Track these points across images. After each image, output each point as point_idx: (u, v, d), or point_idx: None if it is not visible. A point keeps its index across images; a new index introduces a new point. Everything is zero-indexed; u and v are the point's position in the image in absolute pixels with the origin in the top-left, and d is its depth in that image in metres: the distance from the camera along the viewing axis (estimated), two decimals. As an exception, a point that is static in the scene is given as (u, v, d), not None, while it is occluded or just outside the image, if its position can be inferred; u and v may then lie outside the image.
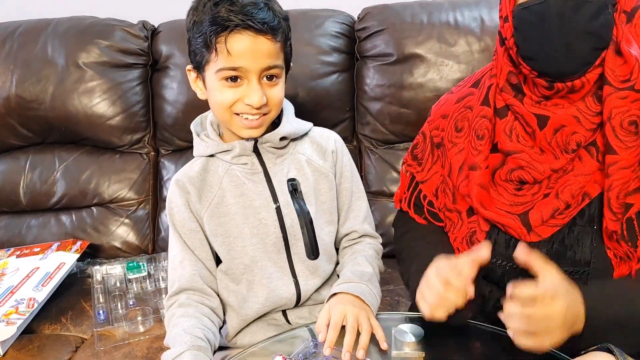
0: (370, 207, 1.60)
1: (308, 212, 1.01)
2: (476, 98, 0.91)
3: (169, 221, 1.02)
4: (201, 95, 1.00)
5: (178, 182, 1.01)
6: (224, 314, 1.04)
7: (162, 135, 1.68)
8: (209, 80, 0.95)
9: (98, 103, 1.61)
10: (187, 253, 1.00)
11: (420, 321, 0.86)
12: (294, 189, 1.01)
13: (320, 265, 1.04)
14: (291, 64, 1.02)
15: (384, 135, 1.64)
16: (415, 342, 0.84)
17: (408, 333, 0.85)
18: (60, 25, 1.64)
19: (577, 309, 0.74)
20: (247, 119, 0.95)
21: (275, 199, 1.01)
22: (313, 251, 1.02)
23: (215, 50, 0.90)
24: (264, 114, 0.96)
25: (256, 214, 1.00)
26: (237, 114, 0.95)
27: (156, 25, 1.72)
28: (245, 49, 0.90)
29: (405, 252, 1.03)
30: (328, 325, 0.87)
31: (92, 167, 1.65)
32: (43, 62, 1.60)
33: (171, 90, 1.63)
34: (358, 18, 1.67)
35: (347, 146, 1.63)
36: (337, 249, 1.11)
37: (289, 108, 1.07)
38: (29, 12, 1.73)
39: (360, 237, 1.10)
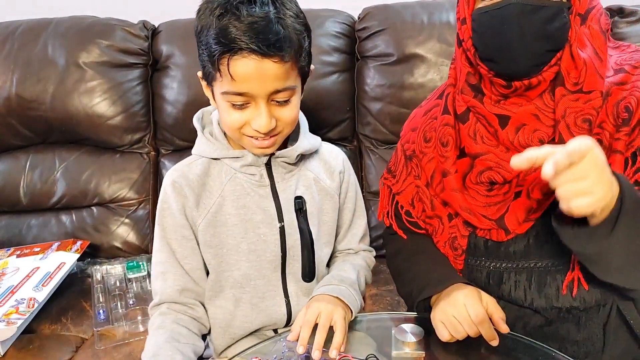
0: (371, 207, 1.63)
1: (310, 234, 0.97)
2: (440, 108, 0.93)
3: (157, 223, 0.96)
4: (213, 104, 0.93)
5: (175, 184, 0.94)
6: (209, 332, 1.00)
7: (162, 135, 1.68)
8: (216, 97, 0.89)
9: (98, 103, 1.61)
10: (172, 265, 0.94)
11: (420, 321, 0.86)
12: (300, 207, 0.97)
13: (314, 287, 1.00)
14: (312, 68, 0.93)
15: (384, 136, 1.64)
16: (415, 342, 0.84)
17: (408, 333, 0.85)
18: (60, 25, 1.64)
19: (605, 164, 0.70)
20: (257, 139, 0.89)
21: (280, 217, 0.96)
22: (309, 274, 0.99)
23: (219, 71, 0.83)
24: (276, 134, 0.90)
25: (256, 228, 0.95)
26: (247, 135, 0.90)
27: (156, 25, 1.72)
28: (250, 73, 0.81)
29: (404, 274, 1.02)
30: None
31: (93, 167, 1.65)
32: (43, 62, 1.60)
33: (171, 90, 1.63)
34: (358, 18, 1.67)
35: (347, 146, 1.68)
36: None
37: (304, 122, 1.01)
38: (29, 12, 1.73)
39: (355, 253, 1.09)
